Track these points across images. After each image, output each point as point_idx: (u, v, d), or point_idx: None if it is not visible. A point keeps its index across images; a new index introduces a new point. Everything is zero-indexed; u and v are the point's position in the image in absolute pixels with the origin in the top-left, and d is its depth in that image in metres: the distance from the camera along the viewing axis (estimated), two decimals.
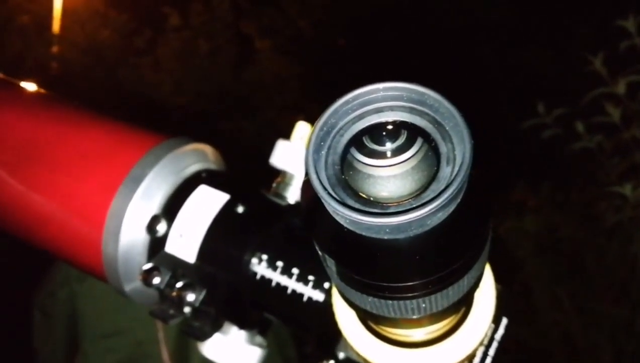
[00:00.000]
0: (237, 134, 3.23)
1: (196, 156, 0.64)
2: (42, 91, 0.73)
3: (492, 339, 0.52)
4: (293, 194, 0.63)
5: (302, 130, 0.63)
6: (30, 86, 0.73)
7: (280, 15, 3.93)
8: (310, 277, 0.56)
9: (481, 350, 0.51)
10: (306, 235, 0.36)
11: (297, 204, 0.63)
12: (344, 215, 0.30)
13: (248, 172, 0.67)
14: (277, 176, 0.65)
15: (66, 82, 3.25)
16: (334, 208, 0.30)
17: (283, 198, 0.63)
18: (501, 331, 0.52)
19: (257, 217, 0.60)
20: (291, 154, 0.63)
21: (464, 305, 0.45)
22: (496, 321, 0.51)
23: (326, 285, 0.56)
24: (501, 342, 0.52)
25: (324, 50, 3.82)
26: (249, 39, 3.77)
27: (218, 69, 3.70)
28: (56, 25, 3.58)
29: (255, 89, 3.61)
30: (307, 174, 0.32)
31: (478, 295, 0.48)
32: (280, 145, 0.63)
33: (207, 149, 0.66)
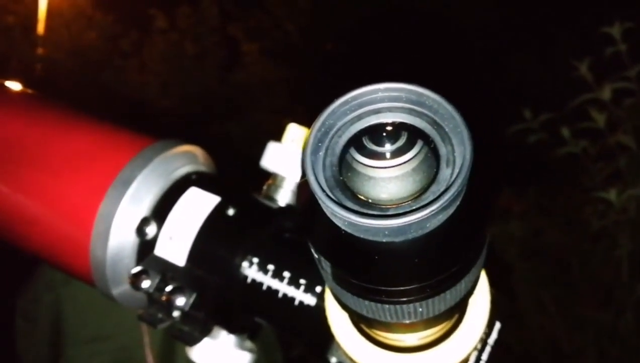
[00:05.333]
0: (224, 138, 3.21)
1: (186, 158, 0.63)
2: (29, 91, 0.71)
3: (485, 343, 0.52)
4: (284, 197, 0.63)
5: (294, 132, 0.62)
6: (16, 86, 0.72)
7: (267, 18, 3.93)
8: (302, 281, 0.56)
9: (474, 354, 0.51)
10: (302, 237, 0.35)
11: (289, 206, 0.62)
12: (342, 217, 0.30)
13: (238, 175, 0.66)
14: (268, 178, 0.65)
15: (51, 84, 3.22)
16: (332, 209, 0.30)
17: (274, 200, 0.63)
18: (494, 335, 0.52)
19: (248, 220, 0.59)
20: (282, 157, 0.62)
21: (459, 309, 0.45)
22: (490, 325, 0.51)
23: (318, 288, 0.55)
24: (494, 347, 0.52)
25: (311, 54, 3.82)
26: (236, 42, 3.76)
27: (205, 71, 3.68)
28: (41, 27, 3.54)
29: (243, 93, 3.60)
30: (304, 175, 0.31)
31: (472, 299, 0.47)
32: (272, 147, 0.63)
33: (197, 151, 0.65)
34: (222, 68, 3.74)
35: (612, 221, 1.96)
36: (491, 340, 0.52)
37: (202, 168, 0.65)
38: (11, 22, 3.51)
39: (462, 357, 0.47)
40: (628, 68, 1.86)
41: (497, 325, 0.53)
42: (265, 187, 0.64)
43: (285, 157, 0.62)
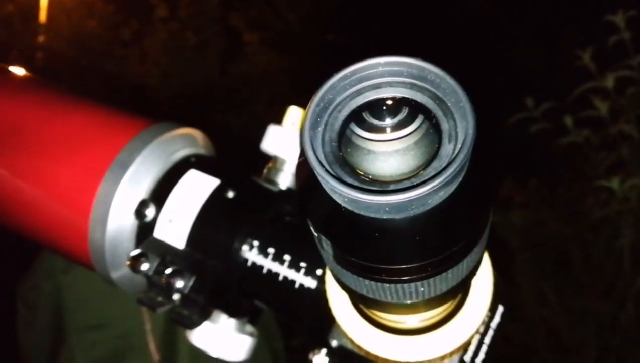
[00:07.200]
0: (225, 128, 3.20)
1: (185, 141, 0.62)
2: (27, 74, 0.71)
3: (487, 327, 0.51)
4: (284, 180, 0.62)
5: (294, 115, 0.62)
6: (15, 70, 0.71)
7: (268, 8, 3.91)
8: (303, 264, 0.55)
9: (477, 338, 0.51)
10: (301, 216, 0.34)
11: (289, 190, 0.62)
12: (342, 193, 0.29)
13: (238, 159, 0.66)
14: (268, 161, 0.64)
15: (52, 73, 3.21)
16: (332, 185, 0.29)
17: (274, 183, 0.62)
18: (497, 319, 0.51)
19: (248, 202, 0.58)
20: (283, 139, 0.62)
21: (461, 290, 0.44)
22: (492, 309, 0.51)
23: (318, 271, 0.55)
24: (497, 330, 0.51)
25: (312, 44, 3.80)
26: (237, 32, 3.74)
27: (205, 61, 3.67)
28: (42, 15, 3.53)
29: (243, 83, 3.58)
30: (302, 152, 0.31)
31: (475, 282, 0.47)
32: (272, 130, 0.62)
33: (197, 133, 0.64)
34: (223, 58, 3.73)
35: (615, 211, 1.95)
36: (494, 323, 0.52)
37: (201, 150, 0.64)
38: (11, 10, 3.50)
39: (464, 340, 0.46)
40: (631, 56, 1.85)
41: (500, 309, 0.52)
42: (265, 170, 0.64)
43: (286, 139, 0.61)
